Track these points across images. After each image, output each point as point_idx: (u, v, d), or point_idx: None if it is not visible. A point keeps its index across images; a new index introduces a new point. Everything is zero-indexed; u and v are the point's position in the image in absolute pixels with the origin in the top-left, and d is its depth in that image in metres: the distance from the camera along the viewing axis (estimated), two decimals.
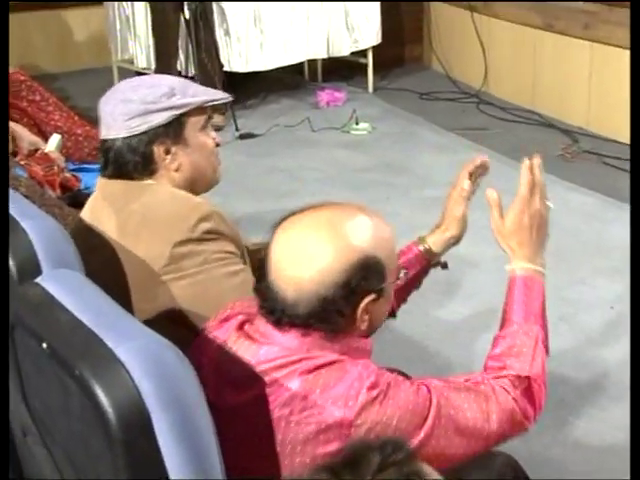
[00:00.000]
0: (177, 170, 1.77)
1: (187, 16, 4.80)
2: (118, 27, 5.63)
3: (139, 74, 5.68)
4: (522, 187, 1.63)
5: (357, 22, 5.60)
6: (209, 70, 4.92)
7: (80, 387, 1.08)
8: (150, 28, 5.18)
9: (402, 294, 1.77)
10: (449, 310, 3.19)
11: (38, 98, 3.83)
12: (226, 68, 5.21)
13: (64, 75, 6.17)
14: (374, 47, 5.72)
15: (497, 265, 3.44)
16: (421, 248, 1.84)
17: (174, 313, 1.66)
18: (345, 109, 5.35)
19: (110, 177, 1.77)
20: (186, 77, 5.30)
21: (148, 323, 1.54)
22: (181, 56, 5.27)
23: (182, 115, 1.75)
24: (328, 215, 1.33)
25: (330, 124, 5.18)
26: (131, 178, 1.76)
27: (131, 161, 1.74)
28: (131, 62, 5.67)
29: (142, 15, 5.38)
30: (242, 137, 5.05)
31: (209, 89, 1.86)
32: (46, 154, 3.28)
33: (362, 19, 5.61)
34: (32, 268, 1.46)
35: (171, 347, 1.12)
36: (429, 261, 1.84)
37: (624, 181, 3.94)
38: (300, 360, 1.29)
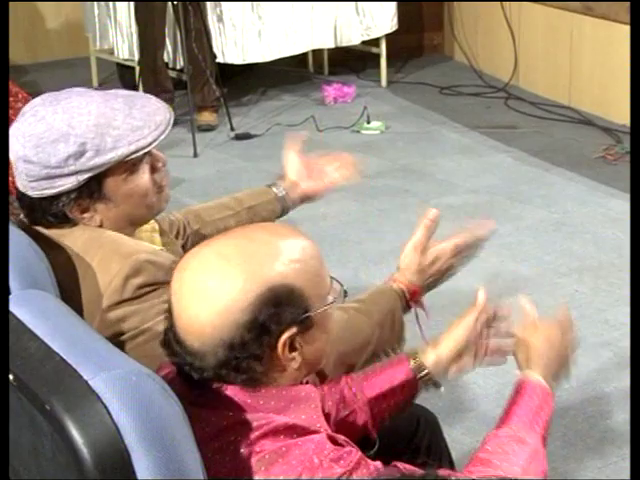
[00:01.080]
0: (101, 225, 1.70)
1: (175, 0, 4.83)
2: (96, 13, 5.66)
3: (120, 66, 5.71)
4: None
5: (369, 7, 5.62)
6: (200, 62, 4.94)
7: (51, 424, 1.08)
8: (133, 14, 5.20)
9: (382, 414, 1.68)
10: None
11: None
12: (219, 59, 5.23)
13: (35, 67, 6.20)
14: (388, 35, 5.74)
15: (531, 285, 3.47)
16: (412, 365, 1.71)
17: None
18: (355, 106, 5.37)
19: (29, 222, 1.71)
20: (174, 69, 5.33)
21: None
22: (168, 46, 5.30)
23: (98, 173, 1.64)
24: (224, 246, 1.30)
25: (338, 123, 5.20)
26: (50, 229, 1.69)
27: (44, 218, 1.68)
28: (111, 52, 5.70)
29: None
30: (238, 138, 5.07)
31: (139, 125, 1.65)
32: None
33: (375, 3, 5.63)
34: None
35: (153, 377, 1.12)
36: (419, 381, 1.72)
37: None
38: (225, 431, 1.26)
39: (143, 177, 1.71)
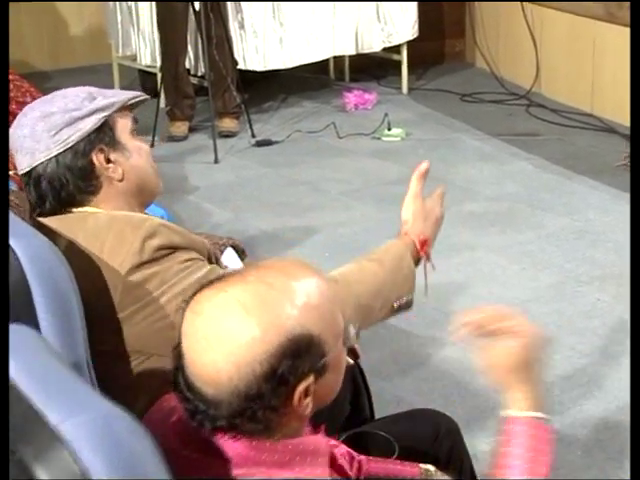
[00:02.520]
0: (122, 179, 1.79)
1: (197, 7, 4.84)
2: (119, 19, 5.69)
3: (141, 72, 5.74)
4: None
5: (390, 13, 5.62)
6: (221, 69, 4.95)
7: (21, 472, 1.06)
8: (155, 20, 5.22)
9: None
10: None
11: (29, 100, 3.86)
12: (241, 66, 5.24)
13: (58, 73, 6.23)
14: (409, 42, 5.73)
15: (552, 292, 3.46)
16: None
17: (144, 346, 1.68)
18: (376, 113, 5.37)
19: (48, 213, 1.77)
20: (195, 76, 5.35)
21: (119, 364, 1.63)
22: (190, 52, 5.32)
23: (110, 118, 1.78)
24: (240, 291, 1.25)
25: (359, 130, 5.20)
26: (72, 204, 1.76)
27: (70, 180, 1.75)
28: (133, 59, 5.73)
29: (146, 6, 5.43)
30: (259, 144, 5.08)
31: (127, 92, 1.89)
32: None
33: (396, 10, 5.63)
34: (22, 291, 1.47)
35: (122, 417, 1.10)
36: None
37: None
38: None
39: (142, 143, 1.86)
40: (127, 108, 1.83)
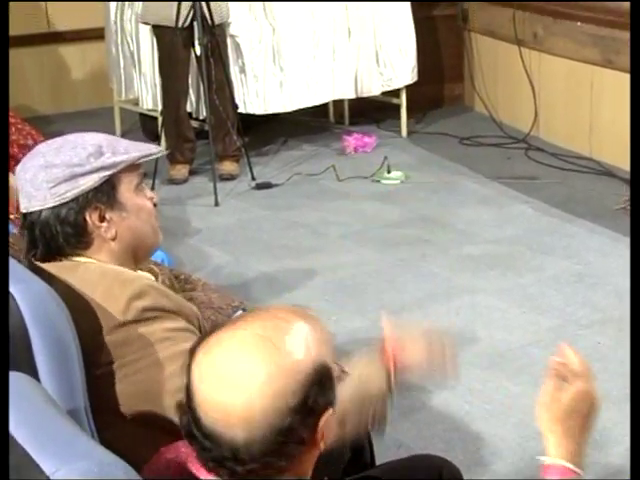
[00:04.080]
0: (114, 239, 1.76)
1: (198, 52, 4.87)
2: (121, 64, 5.72)
3: (142, 116, 5.76)
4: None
5: (390, 58, 5.66)
6: (221, 113, 4.97)
7: None
8: (157, 65, 5.25)
9: None
10: (495, 386, 3.16)
11: (30, 143, 3.87)
12: (241, 110, 5.26)
13: (60, 117, 6.26)
14: (408, 86, 5.77)
15: (553, 336, 3.44)
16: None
17: (120, 408, 1.65)
18: (375, 156, 5.38)
19: (40, 259, 1.76)
20: (196, 119, 5.37)
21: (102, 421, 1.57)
22: (192, 96, 5.34)
23: (113, 176, 1.75)
24: (259, 328, 1.25)
25: (358, 173, 5.21)
26: (63, 254, 1.75)
27: (61, 233, 1.73)
28: (135, 103, 5.75)
29: (148, 50, 5.46)
30: (259, 187, 5.08)
31: (140, 144, 1.86)
32: None
33: (395, 54, 5.66)
34: (20, 336, 1.46)
35: (115, 465, 1.09)
36: None
37: None
38: None
39: (146, 200, 1.83)
40: (136, 164, 1.80)
